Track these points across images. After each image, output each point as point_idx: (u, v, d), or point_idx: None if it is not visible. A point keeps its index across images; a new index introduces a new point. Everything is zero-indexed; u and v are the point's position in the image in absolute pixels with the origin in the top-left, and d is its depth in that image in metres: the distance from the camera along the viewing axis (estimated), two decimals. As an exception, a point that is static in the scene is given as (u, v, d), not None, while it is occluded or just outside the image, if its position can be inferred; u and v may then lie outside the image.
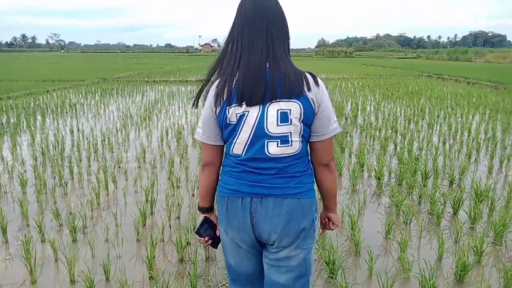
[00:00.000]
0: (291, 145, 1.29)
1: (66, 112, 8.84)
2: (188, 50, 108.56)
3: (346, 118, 8.00)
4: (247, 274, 1.49)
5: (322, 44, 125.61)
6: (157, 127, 7.26)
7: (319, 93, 1.28)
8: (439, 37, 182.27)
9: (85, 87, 13.85)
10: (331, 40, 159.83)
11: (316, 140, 1.33)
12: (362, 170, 4.64)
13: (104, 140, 6.15)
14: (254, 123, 1.27)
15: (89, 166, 4.95)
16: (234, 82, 1.28)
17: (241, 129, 1.29)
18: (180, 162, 5.15)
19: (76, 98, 11.17)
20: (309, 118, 1.28)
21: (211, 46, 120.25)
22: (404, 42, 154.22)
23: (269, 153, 1.29)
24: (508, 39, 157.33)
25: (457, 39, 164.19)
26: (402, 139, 6.19)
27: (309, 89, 1.26)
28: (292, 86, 1.25)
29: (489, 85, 14.75)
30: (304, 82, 1.27)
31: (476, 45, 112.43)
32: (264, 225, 1.33)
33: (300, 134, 1.29)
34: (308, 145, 1.37)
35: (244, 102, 1.26)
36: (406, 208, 3.37)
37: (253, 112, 1.26)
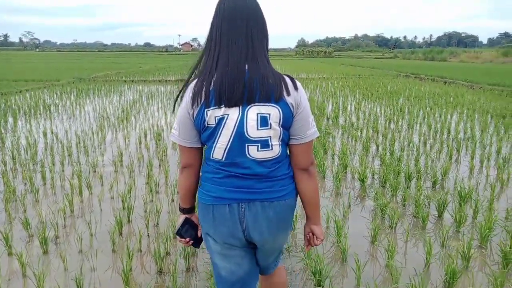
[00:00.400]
0: (271, 149, 1.28)
1: (40, 114, 8.48)
2: (167, 49, 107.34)
3: (328, 119, 7.97)
4: (239, 279, 1.45)
5: (302, 44, 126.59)
6: (135, 129, 7.04)
7: (297, 97, 1.28)
8: (415, 37, 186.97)
9: (60, 87, 13.38)
10: (310, 40, 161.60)
11: (294, 143, 1.32)
12: (345, 172, 4.58)
13: (79, 143, 5.90)
14: (234, 127, 1.24)
15: (63, 171, 4.71)
16: (212, 83, 1.24)
17: (220, 133, 1.26)
18: (159, 165, 4.97)
19: (50, 98, 10.75)
20: (287, 121, 1.28)
21: (191, 45, 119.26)
22: (382, 42, 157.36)
23: (250, 157, 1.28)
24: (480, 39, 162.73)
25: (432, 40, 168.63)
26: (384, 139, 6.19)
27: (288, 93, 1.26)
28: (271, 90, 1.23)
29: (465, 84, 15.09)
30: (283, 86, 1.25)
31: (450, 45, 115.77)
32: (255, 229, 1.34)
33: (279, 137, 1.29)
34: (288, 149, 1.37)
35: (223, 104, 1.23)
36: (391, 212, 3.31)
37: (233, 115, 1.24)
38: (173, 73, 21.05)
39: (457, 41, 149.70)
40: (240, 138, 1.25)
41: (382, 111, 8.72)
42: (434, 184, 4.17)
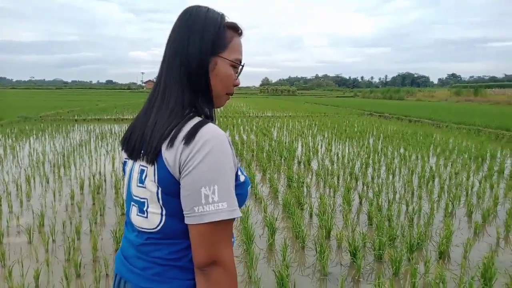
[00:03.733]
0: (147, 217, 0.92)
1: (-42, 160, 7.07)
2: (130, 87, 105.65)
3: (299, 163, 7.16)
4: None
5: (265, 83, 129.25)
6: (71, 179, 5.84)
7: (184, 152, 0.83)
8: (372, 77, 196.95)
9: (-1, 127, 11.87)
10: (274, 79, 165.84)
11: (186, 222, 0.85)
12: (329, 238, 3.67)
13: (-5, 200, 4.66)
14: (127, 178, 0.99)
15: (-47, 245, 3.47)
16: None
17: (124, 183, 1.02)
18: (91, 230, 3.84)
19: (-21, 141, 9.29)
20: (168, 185, 0.87)
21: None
22: (341, 82, 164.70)
23: (132, 221, 0.97)
24: (431, 80, 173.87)
25: (387, 80, 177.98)
26: (365, 188, 5.41)
27: (170, 145, 0.85)
28: (152, 139, 0.89)
29: (430, 123, 15.04)
30: (169, 134, 0.86)
31: (404, 85, 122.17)
32: None
33: (160, 205, 0.89)
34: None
35: (125, 151, 0.99)
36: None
37: (129, 163, 0.99)
38: (132, 111, 19.84)
39: (410, 81, 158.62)
40: (128, 192, 0.99)
41: (356, 153, 8.05)
42: (440, 255, 3.33)
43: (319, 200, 4.69)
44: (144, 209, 0.92)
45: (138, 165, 0.94)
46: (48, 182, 5.65)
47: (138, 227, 0.95)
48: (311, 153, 7.86)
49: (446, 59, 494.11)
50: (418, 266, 3.12)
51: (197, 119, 0.88)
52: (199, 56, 0.91)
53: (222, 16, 0.95)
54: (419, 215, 4.32)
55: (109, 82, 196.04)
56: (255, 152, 7.93)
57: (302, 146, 8.94)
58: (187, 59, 0.91)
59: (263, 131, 11.46)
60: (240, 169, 0.94)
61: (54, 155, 7.61)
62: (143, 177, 0.91)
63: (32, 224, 3.88)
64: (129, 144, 0.97)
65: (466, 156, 7.76)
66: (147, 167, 0.90)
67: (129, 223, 1.01)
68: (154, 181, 0.88)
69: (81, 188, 5.24)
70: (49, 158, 7.35)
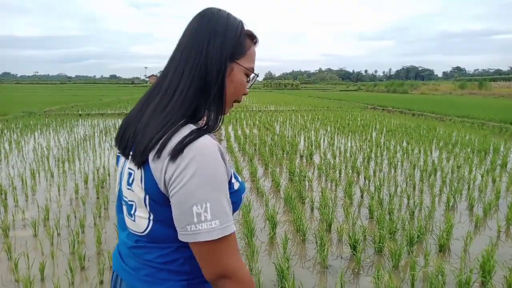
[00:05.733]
0: (134, 220, 0.90)
1: (-36, 155, 7.15)
2: (133, 82, 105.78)
3: (301, 157, 7.18)
4: None
5: (269, 77, 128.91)
6: (75, 173, 5.90)
7: (171, 168, 0.79)
8: (375, 71, 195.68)
9: (4, 122, 11.96)
10: (277, 73, 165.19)
11: (180, 239, 0.83)
12: (330, 232, 3.71)
13: (1, 194, 4.74)
14: (119, 175, 0.97)
15: (-40, 238, 3.54)
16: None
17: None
18: (95, 224, 3.90)
19: (-15, 136, 9.38)
20: (156, 194, 0.83)
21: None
22: (344, 76, 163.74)
23: (124, 220, 0.96)
24: (435, 73, 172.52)
25: (391, 73, 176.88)
26: (367, 182, 5.43)
27: (157, 157, 0.81)
28: (142, 142, 0.85)
29: (433, 116, 14.98)
30: (157, 146, 0.81)
31: (408, 79, 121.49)
32: None
33: (148, 210, 0.86)
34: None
35: (117, 146, 0.96)
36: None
37: (121, 160, 0.97)
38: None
39: (414, 74, 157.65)
40: (120, 192, 0.97)
41: (358, 147, 8.06)
42: (440, 248, 3.35)
43: (320, 194, 4.72)
44: (132, 212, 0.90)
45: (127, 166, 0.91)
46: (52, 177, 5.71)
47: (128, 228, 0.94)
48: (313, 147, 7.87)
49: (450, 52, 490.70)
50: (418, 259, 3.15)
51: (188, 129, 0.83)
52: (219, 59, 0.88)
53: (241, 23, 0.94)
54: (420, 209, 4.34)
55: (113, 76, 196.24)
56: (257, 146, 7.96)
57: (304, 140, 8.96)
58: (206, 61, 0.87)
59: (266, 126, 11.48)
60: (234, 176, 0.92)
61: (59, 150, 7.68)
62: (131, 181, 0.89)
63: (37, 218, 3.94)
64: (122, 142, 0.94)
65: (469, 149, 7.74)
66: (134, 171, 0.88)
67: (121, 222, 0.99)
68: (141, 188, 0.86)
69: (85, 182, 5.30)
70: (53, 152, 7.42)
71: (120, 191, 0.97)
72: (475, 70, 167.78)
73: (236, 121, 12.71)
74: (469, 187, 5.13)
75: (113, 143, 0.97)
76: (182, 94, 0.87)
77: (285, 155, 7.30)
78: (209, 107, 0.89)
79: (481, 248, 3.32)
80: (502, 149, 7.95)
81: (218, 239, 0.79)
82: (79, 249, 3.28)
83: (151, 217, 0.86)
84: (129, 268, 0.94)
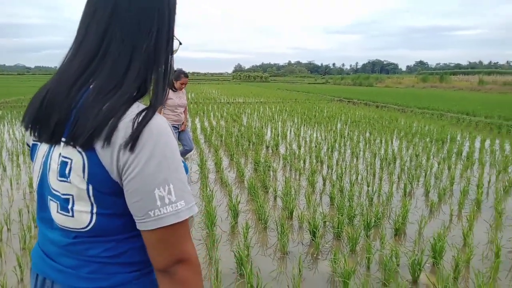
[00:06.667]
0: (72, 216, 0.78)
1: None
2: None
3: (267, 147, 7.21)
4: None
5: (238, 69, 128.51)
6: (29, 166, 5.62)
7: (125, 154, 0.71)
8: (343, 64, 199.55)
9: (-48, 115, 11.23)
10: (247, 65, 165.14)
11: (139, 228, 0.76)
12: (292, 218, 3.74)
13: None
14: (40, 166, 0.83)
15: None
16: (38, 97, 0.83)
17: (33, 170, 0.86)
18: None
19: None
20: (104, 183, 0.74)
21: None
22: (313, 69, 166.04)
23: (53, 217, 0.82)
24: (399, 67, 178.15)
25: (358, 67, 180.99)
26: (329, 171, 5.53)
27: (107, 142, 0.72)
28: (81, 123, 0.73)
29: (396, 108, 15.47)
30: (105, 130, 0.72)
31: (374, 72, 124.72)
32: None
33: (91, 203, 0.76)
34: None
35: (33, 132, 0.83)
36: (356, 282, 2.49)
37: (43, 147, 0.83)
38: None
39: (380, 68, 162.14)
40: (43, 184, 0.83)
41: (323, 138, 8.19)
42: (396, 232, 3.47)
43: (284, 183, 4.75)
44: (69, 207, 0.78)
45: (57, 154, 0.78)
46: (5, 171, 5.42)
47: (62, 225, 0.81)
48: (279, 138, 7.92)
49: (414, 47, 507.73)
50: (374, 243, 3.24)
51: (135, 108, 0.76)
52: (168, 30, 0.83)
53: None
54: (379, 195, 4.47)
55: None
56: (223, 137, 7.91)
57: (271, 131, 9.00)
58: (158, 27, 0.81)
59: (233, 117, 11.43)
60: None
61: (13, 143, 7.30)
62: (66, 171, 0.76)
63: (-14, 214, 3.73)
64: (44, 126, 0.79)
65: (427, 139, 8.06)
66: (71, 159, 0.75)
67: (47, 220, 0.85)
68: (83, 177, 0.75)
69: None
70: (7, 146, 7.04)
71: (45, 186, 0.83)
72: (437, 64, 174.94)
73: (203, 113, 12.58)
74: (426, 174, 5.33)
75: (23, 127, 0.74)
76: (126, 63, 0.78)
77: (251, 146, 7.30)
78: (157, 79, 0.83)
79: (435, 231, 3.46)
80: (458, 138, 8.33)
81: (183, 221, 0.75)
82: (30, 244, 3.13)
83: (94, 210, 0.77)
84: (65, 267, 0.83)
